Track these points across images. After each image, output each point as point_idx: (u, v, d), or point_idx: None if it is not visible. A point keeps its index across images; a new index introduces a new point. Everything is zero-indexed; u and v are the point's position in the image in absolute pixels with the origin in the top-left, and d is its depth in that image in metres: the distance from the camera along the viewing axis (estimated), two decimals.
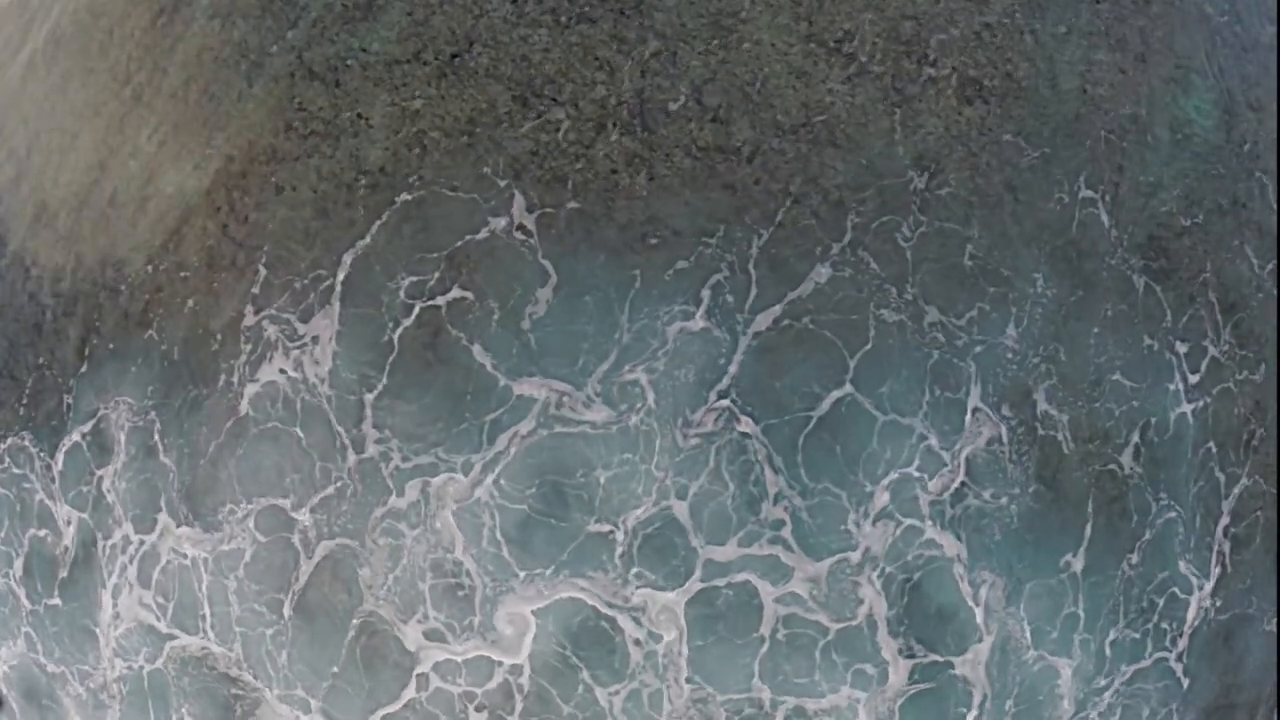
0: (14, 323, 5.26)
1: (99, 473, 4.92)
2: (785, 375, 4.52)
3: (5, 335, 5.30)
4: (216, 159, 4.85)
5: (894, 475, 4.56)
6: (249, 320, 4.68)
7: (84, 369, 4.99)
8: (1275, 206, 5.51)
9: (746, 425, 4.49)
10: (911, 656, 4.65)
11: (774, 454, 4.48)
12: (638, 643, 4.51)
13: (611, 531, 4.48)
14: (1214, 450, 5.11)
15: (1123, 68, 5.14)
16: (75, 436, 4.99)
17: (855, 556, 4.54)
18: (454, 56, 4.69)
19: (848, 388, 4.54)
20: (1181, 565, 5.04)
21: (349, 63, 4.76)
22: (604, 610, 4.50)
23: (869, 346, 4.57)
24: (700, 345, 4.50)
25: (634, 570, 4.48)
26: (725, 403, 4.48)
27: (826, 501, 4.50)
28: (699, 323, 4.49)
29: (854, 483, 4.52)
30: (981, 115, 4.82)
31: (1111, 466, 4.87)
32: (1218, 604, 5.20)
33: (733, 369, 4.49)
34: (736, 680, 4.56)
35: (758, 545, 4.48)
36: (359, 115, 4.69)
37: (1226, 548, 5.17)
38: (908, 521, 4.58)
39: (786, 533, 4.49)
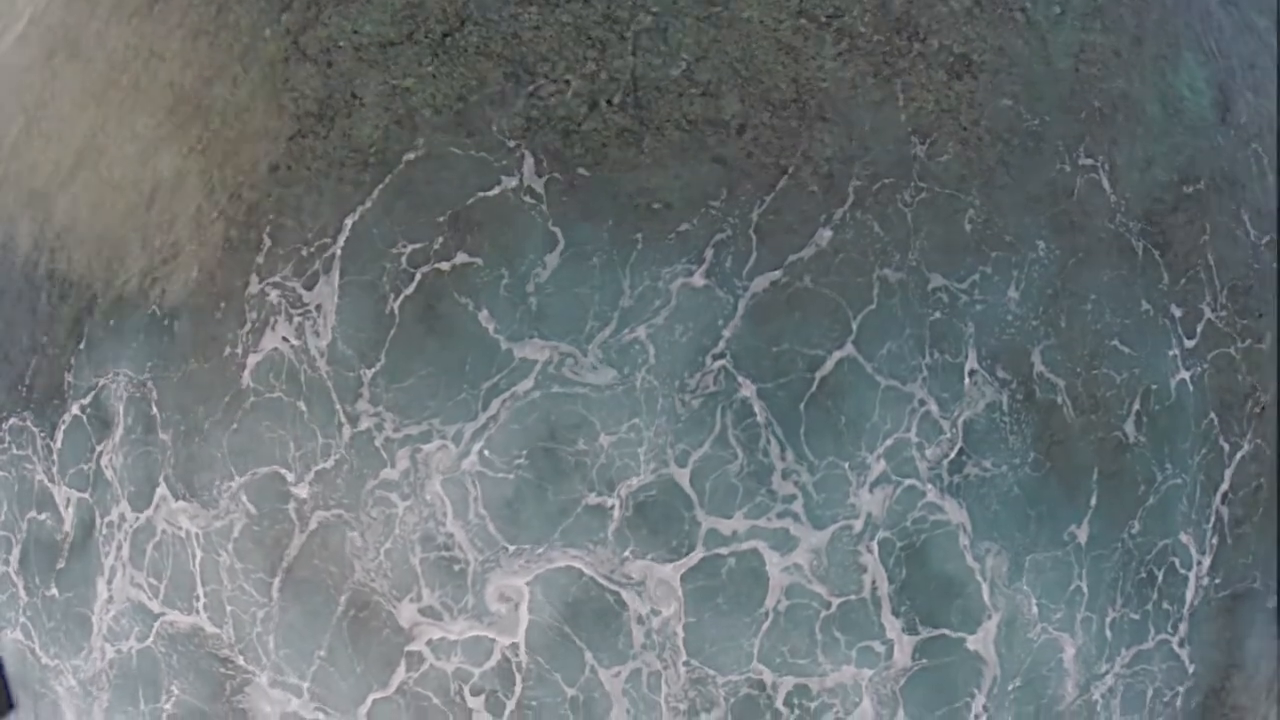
0: (11, 305, 5.26)
1: (98, 449, 4.90)
2: (784, 338, 4.49)
3: (1, 317, 5.30)
4: (212, 141, 4.88)
5: (890, 442, 4.52)
6: (253, 288, 4.69)
7: (82, 346, 4.98)
8: (1272, 180, 5.50)
9: (746, 388, 4.45)
10: (915, 633, 4.58)
11: (774, 421, 4.44)
12: (640, 620, 4.45)
13: (607, 500, 4.43)
14: (1216, 421, 5.07)
15: (1117, 49, 5.16)
16: (75, 410, 4.97)
17: (857, 525, 4.49)
18: (445, 35, 4.72)
19: (849, 349, 4.51)
20: (1183, 536, 4.99)
21: (341, 44, 4.79)
22: (604, 584, 4.44)
23: (873, 306, 4.55)
24: (702, 302, 4.48)
25: (631, 541, 4.42)
26: (721, 363, 4.45)
27: (833, 475, 4.47)
28: (700, 280, 4.48)
29: (856, 455, 4.49)
30: (971, 89, 4.83)
31: (1116, 434, 4.84)
32: (1217, 580, 5.14)
33: (728, 332, 4.47)
34: (736, 659, 4.49)
35: (766, 518, 4.43)
36: (352, 95, 4.71)
37: (1225, 514, 5.12)
38: (907, 482, 4.53)
39: (798, 506, 4.44)
